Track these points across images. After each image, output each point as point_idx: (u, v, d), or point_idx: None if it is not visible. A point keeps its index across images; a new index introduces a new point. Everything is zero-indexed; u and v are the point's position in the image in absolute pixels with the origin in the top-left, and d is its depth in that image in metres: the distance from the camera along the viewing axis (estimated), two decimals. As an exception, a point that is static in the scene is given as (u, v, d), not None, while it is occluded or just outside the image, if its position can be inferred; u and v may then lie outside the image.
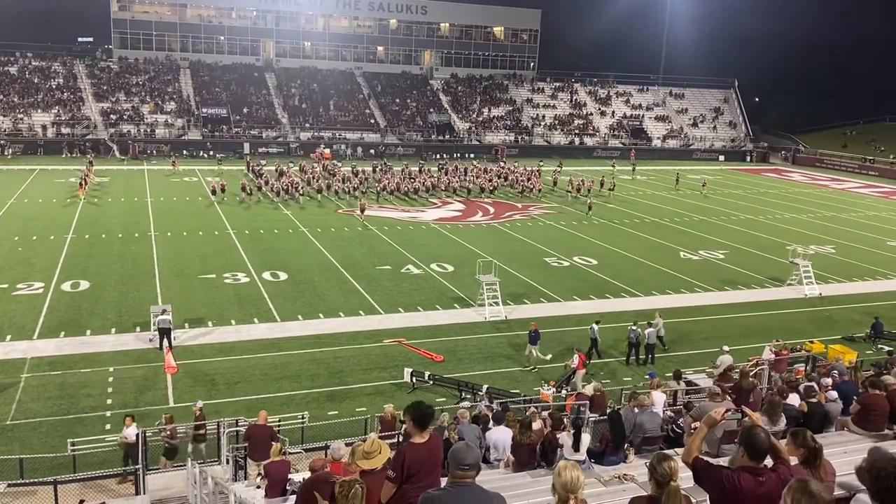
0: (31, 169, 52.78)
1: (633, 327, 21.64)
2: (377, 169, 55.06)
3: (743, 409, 8.42)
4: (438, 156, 69.68)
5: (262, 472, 10.90)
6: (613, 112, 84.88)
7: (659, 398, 12.55)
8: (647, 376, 17.54)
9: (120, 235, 34.01)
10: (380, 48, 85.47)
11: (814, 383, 12.56)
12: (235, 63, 78.57)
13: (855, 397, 10.67)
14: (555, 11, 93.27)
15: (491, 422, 11.61)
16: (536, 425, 11.16)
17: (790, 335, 23.21)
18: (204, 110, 69.33)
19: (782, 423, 9.52)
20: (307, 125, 71.23)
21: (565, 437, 10.17)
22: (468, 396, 18.13)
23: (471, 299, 26.14)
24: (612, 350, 22.36)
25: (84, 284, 26.47)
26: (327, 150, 65.32)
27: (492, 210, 44.76)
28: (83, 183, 43.40)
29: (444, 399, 18.15)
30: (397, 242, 34.78)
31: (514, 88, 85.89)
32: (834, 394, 11.49)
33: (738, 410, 10.23)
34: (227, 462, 13.36)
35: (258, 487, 10.93)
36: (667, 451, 7.49)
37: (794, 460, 5.43)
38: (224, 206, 42.36)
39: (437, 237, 36.82)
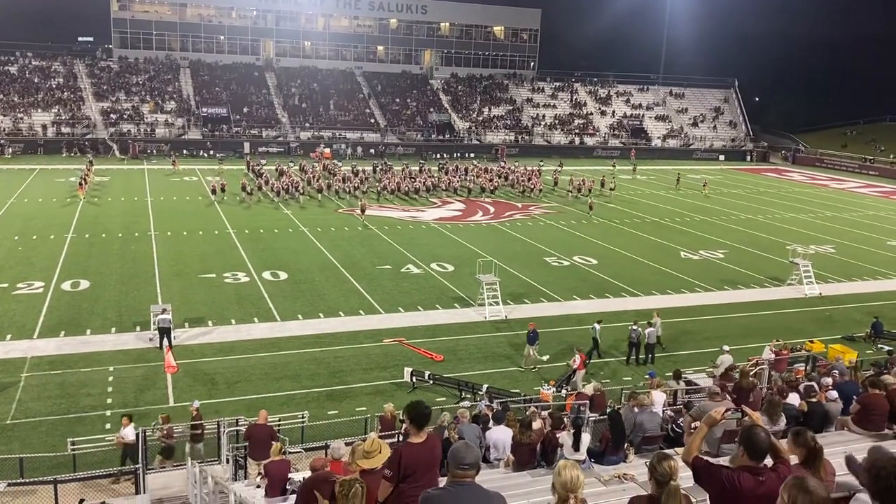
0: (31, 168, 52.80)
1: (634, 327, 21.64)
2: (377, 168, 55.07)
3: (743, 408, 8.42)
4: (438, 155, 69.70)
5: (263, 471, 10.90)
6: (613, 112, 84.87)
7: (659, 398, 12.55)
8: (647, 376, 17.56)
9: (120, 235, 34.01)
10: (380, 48, 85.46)
11: (814, 383, 12.56)
12: (235, 62, 78.57)
13: (855, 397, 10.68)
14: (555, 11, 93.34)
15: (491, 421, 11.62)
16: (536, 425, 11.16)
17: (790, 335, 23.21)
18: (204, 110, 69.32)
19: (782, 422, 9.52)
20: (307, 125, 71.23)
21: (565, 437, 10.18)
22: (468, 396, 18.13)
23: (471, 299, 26.14)
24: (612, 350, 22.36)
25: (84, 284, 26.47)
26: (327, 150, 65.31)
27: (492, 210, 44.76)
28: (83, 183, 43.39)
29: (444, 398, 18.16)
30: (397, 242, 34.78)
31: (515, 88, 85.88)
32: (834, 393, 11.50)
33: (738, 410, 10.23)
34: (228, 461, 13.37)
35: (258, 487, 10.93)
36: (667, 451, 7.48)
37: (794, 460, 5.43)
38: (224, 205, 42.36)
39: (437, 237, 36.82)
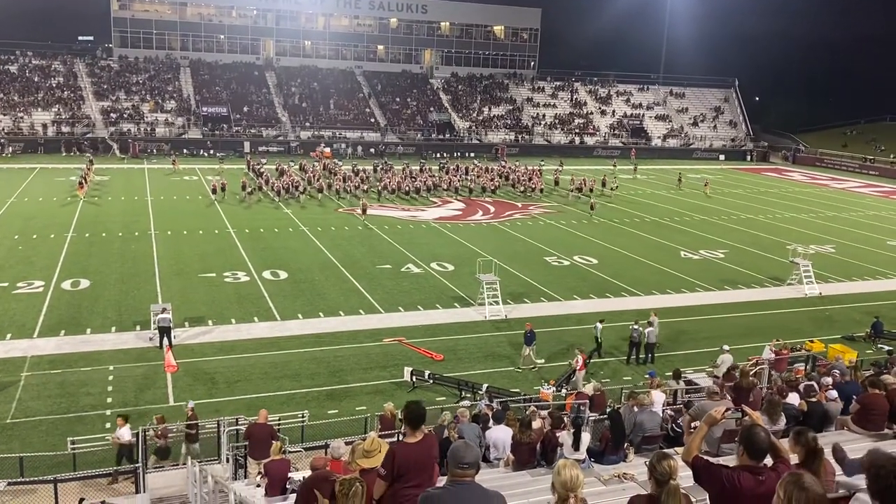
0: (31, 167, 52.79)
1: (636, 326, 21.65)
2: (378, 168, 55.06)
3: (743, 408, 8.42)
4: (439, 155, 69.70)
5: (262, 470, 10.90)
6: (614, 111, 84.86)
7: (658, 397, 12.55)
8: (647, 375, 17.56)
9: (120, 234, 34.01)
10: (380, 47, 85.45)
11: (814, 383, 12.56)
12: (235, 62, 78.56)
13: (855, 397, 10.68)
14: (555, 10, 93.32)
15: (491, 421, 11.62)
16: (536, 424, 11.16)
17: (790, 334, 23.22)
18: (204, 109, 69.31)
19: (782, 422, 9.52)
20: (307, 124, 71.22)
21: (565, 437, 10.18)
22: (468, 395, 18.13)
23: (471, 298, 26.14)
24: (612, 349, 22.36)
25: (84, 283, 26.47)
26: (327, 149, 65.32)
27: (492, 209, 44.76)
28: (83, 182, 43.36)
29: (444, 398, 18.17)
30: (397, 241, 34.78)
31: (515, 87, 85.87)
32: (834, 393, 11.50)
33: (737, 409, 10.24)
34: (227, 461, 13.37)
35: (258, 486, 10.93)
36: (666, 450, 7.49)
37: (794, 459, 5.43)
38: (224, 204, 42.36)
39: (437, 236, 36.82)
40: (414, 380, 19.11)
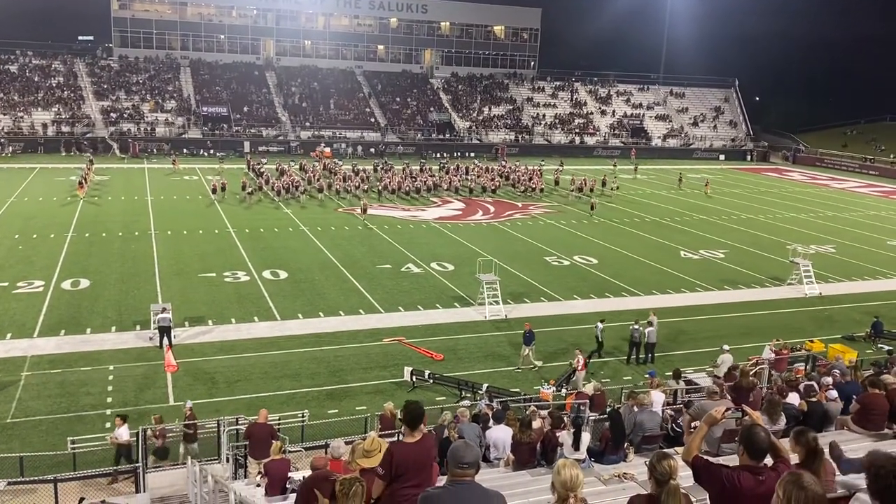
0: (31, 167, 52.78)
1: (636, 326, 21.65)
2: (378, 168, 55.07)
3: (743, 407, 8.42)
4: (439, 155, 69.70)
5: (263, 470, 10.90)
6: (614, 111, 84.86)
7: (658, 397, 12.56)
8: (647, 375, 17.56)
9: (120, 234, 34.02)
10: (380, 47, 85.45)
11: (814, 382, 12.56)
12: (236, 62, 78.56)
13: (855, 396, 10.68)
14: (555, 10, 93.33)
15: (491, 420, 11.62)
16: (536, 424, 11.17)
17: (790, 334, 23.23)
18: (204, 109, 69.31)
19: (782, 422, 9.53)
20: (307, 124, 71.22)
21: (565, 436, 10.18)
22: (468, 395, 18.13)
23: (471, 298, 26.14)
24: (612, 349, 22.35)
25: (84, 283, 26.47)
26: (327, 149, 65.32)
27: (492, 209, 44.75)
28: (83, 182, 43.36)
29: (444, 398, 18.17)
30: (397, 241, 34.78)
31: (515, 87, 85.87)
32: (834, 393, 11.51)
33: (737, 409, 10.24)
34: (228, 460, 13.38)
35: (258, 486, 10.93)
36: (666, 450, 7.49)
37: (794, 459, 5.43)
38: (224, 204, 42.36)
39: (437, 236, 36.82)
40: (414, 379, 19.11)
